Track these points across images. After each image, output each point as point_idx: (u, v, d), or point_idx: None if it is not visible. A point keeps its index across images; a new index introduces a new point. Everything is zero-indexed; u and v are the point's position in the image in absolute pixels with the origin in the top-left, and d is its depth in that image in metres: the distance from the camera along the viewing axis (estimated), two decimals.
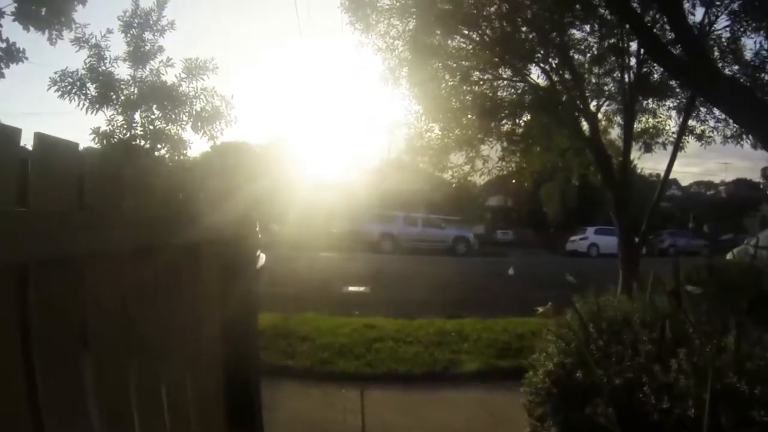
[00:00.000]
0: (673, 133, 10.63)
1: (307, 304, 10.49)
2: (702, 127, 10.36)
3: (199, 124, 9.24)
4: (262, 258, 11.68)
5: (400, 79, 9.45)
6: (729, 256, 19.02)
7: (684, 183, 53.58)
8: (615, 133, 11.04)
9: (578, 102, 9.67)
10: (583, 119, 9.75)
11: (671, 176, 10.31)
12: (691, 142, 10.73)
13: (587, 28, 9.47)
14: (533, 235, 40.45)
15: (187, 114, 9.21)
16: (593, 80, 10.15)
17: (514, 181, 11.15)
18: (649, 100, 10.37)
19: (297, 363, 6.52)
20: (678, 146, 9.91)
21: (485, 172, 10.02)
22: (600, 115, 10.36)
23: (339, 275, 15.29)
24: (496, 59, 9.00)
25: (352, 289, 13.41)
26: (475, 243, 28.55)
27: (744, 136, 9.48)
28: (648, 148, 10.98)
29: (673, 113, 10.66)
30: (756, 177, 60.96)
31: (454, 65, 9.30)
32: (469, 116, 9.42)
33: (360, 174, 32.65)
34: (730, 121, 10.10)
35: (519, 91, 9.99)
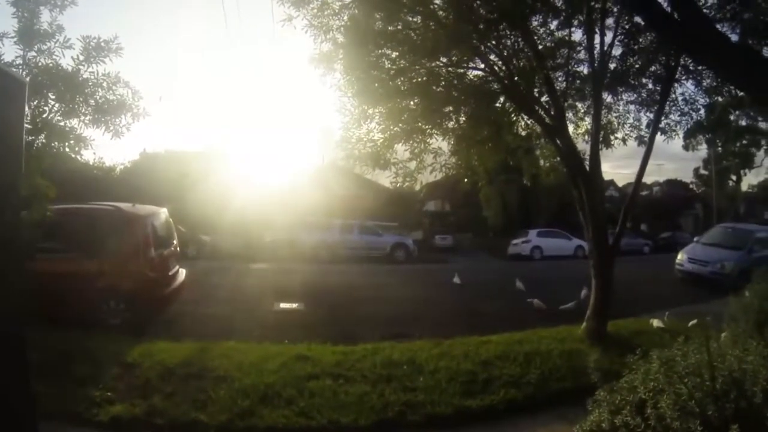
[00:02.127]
0: (637, 127, 10.34)
1: (233, 327, 9.62)
2: (666, 121, 9.96)
3: (101, 117, 7.65)
4: (182, 274, 10.69)
5: (335, 63, 8.31)
6: (680, 256, 19.20)
7: (620, 184, 54.83)
8: (577, 128, 10.42)
9: (543, 89, 9.18)
10: (542, 110, 9.08)
11: (608, 177, 9.70)
12: (628, 145, 10.44)
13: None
14: (473, 240, 40.05)
15: (92, 106, 7.64)
16: (559, 65, 9.64)
17: (466, 180, 10.23)
18: (607, 94, 9.85)
19: (210, 416, 5.21)
20: (653, 139, 9.45)
21: (436, 167, 9.01)
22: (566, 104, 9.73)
23: (271, 290, 14.18)
24: (449, 44, 8.04)
25: (284, 306, 12.23)
26: (414, 249, 27.89)
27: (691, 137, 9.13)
28: (607, 143, 10.32)
29: (631, 107, 10.28)
30: (686, 178, 63.73)
31: (397, 52, 8.28)
32: (413, 106, 8.41)
33: (295, 181, 31.63)
34: (693, 114, 10.06)
35: (475, 80, 9.12)
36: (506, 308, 12.90)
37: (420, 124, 8.40)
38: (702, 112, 10.11)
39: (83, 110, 7.56)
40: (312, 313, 11.65)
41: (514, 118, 10.15)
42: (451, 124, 9.21)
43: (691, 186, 61.42)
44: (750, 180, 62.75)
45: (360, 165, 9.12)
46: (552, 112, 8.98)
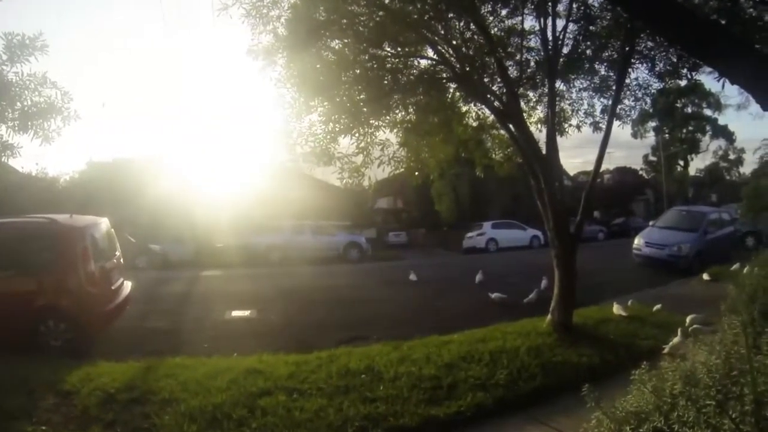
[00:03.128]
0: (591, 113, 10.26)
1: (181, 341, 9.15)
2: (621, 106, 9.75)
3: (28, 121, 6.96)
4: (127, 287, 9.94)
5: (275, 56, 7.82)
6: (636, 240, 19.42)
7: (571, 173, 55.82)
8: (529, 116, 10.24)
9: (495, 77, 9.04)
10: (496, 98, 8.94)
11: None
12: (582, 132, 10.47)
13: None
14: (426, 236, 40.03)
15: (18, 110, 6.93)
16: (511, 54, 9.48)
17: (416, 173, 9.85)
18: (560, 82, 9.69)
19: None
20: (611, 124, 9.31)
21: (384, 161, 8.61)
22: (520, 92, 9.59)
23: (222, 298, 13.61)
24: (395, 30, 7.70)
25: (235, 314, 11.68)
26: (367, 248, 27.58)
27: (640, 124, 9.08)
28: (561, 131, 10.20)
29: (584, 94, 10.22)
30: (635, 165, 65.34)
31: (341, 42, 7.88)
32: (358, 97, 8.01)
33: (245, 183, 30.89)
34: (648, 99, 10.12)
35: (424, 68, 8.85)
36: (466, 304, 12.69)
37: (364, 116, 7.98)
38: (654, 96, 10.08)
39: (9, 115, 6.90)
40: (264, 320, 11.17)
41: (465, 108, 10.03)
42: (399, 116, 8.88)
43: (640, 172, 62.98)
44: (697, 164, 64.98)
45: (303, 161, 8.68)
46: (505, 99, 8.79)
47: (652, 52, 9.16)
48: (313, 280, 17.78)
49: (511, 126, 8.77)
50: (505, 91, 8.91)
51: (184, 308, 12.19)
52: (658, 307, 10.39)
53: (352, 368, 6.48)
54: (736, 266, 15.73)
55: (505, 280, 15.96)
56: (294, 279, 17.73)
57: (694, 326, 8.77)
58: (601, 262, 18.98)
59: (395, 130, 8.99)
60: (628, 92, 9.73)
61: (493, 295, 12.46)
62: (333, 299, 13.39)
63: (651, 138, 60.55)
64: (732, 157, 64.25)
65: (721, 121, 59.40)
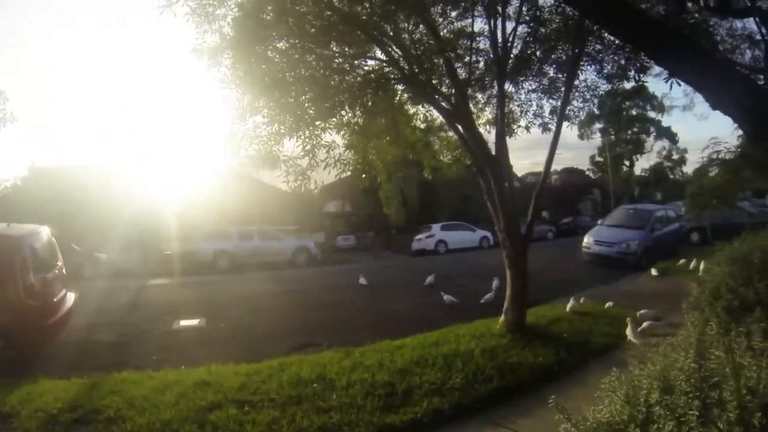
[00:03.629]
0: (540, 114, 10.35)
1: (128, 354, 8.77)
2: (569, 107, 9.90)
3: None
4: (70, 299, 9.30)
5: (221, 56, 7.53)
6: (586, 239, 19.78)
7: (519, 174, 56.73)
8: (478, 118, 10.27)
9: (443, 79, 9.03)
10: (445, 99, 8.89)
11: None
12: (531, 133, 10.63)
13: None
14: (375, 239, 40.06)
15: None
16: (460, 56, 9.41)
17: (363, 176, 9.69)
18: (509, 84, 9.83)
19: None
20: (560, 125, 9.32)
21: (330, 163, 8.41)
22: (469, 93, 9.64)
23: (169, 307, 13.14)
24: (343, 31, 7.55)
25: (184, 323, 11.29)
26: (316, 252, 27.48)
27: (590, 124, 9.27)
28: (510, 132, 10.26)
29: (533, 96, 10.30)
30: (582, 165, 66.89)
31: (288, 43, 7.65)
32: (306, 98, 7.80)
33: (192, 189, 30.24)
34: (596, 101, 9.96)
35: (372, 69, 8.66)
36: (417, 307, 12.64)
37: (309, 117, 7.76)
38: (601, 99, 10.31)
39: None
40: (213, 328, 10.86)
41: (413, 111, 9.97)
42: (346, 117, 8.71)
43: (587, 173, 64.57)
44: (642, 164, 67.25)
45: (249, 164, 8.44)
46: (454, 101, 8.78)
47: (601, 55, 9.29)
48: (262, 286, 17.49)
49: (459, 127, 8.73)
50: (454, 92, 8.88)
51: (131, 319, 11.72)
52: (610, 304, 10.52)
53: (304, 377, 6.29)
54: (682, 261, 16.21)
55: (456, 281, 16.04)
56: (243, 285, 17.43)
57: (647, 322, 8.94)
58: (552, 261, 19.24)
59: (342, 132, 8.81)
60: (576, 93, 9.88)
61: (445, 297, 12.42)
62: (283, 305, 13.18)
63: (597, 139, 62.50)
64: (675, 157, 66.90)
65: (665, 122, 61.75)
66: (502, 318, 8.64)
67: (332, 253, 32.63)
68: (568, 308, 9.97)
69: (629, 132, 60.68)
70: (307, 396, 5.71)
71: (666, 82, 7.46)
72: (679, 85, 7.80)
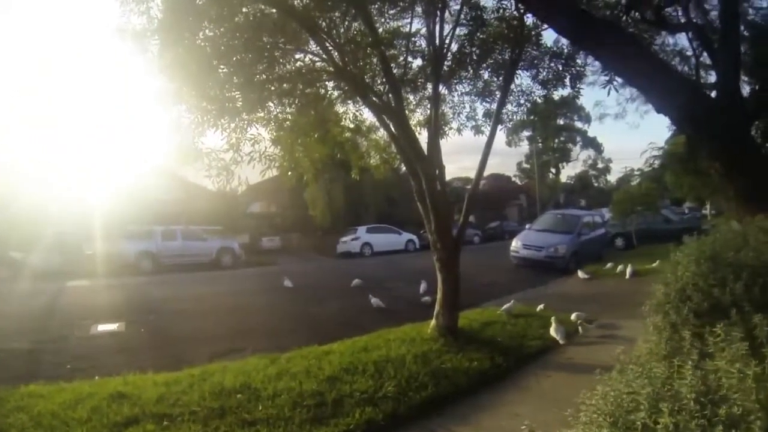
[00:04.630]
0: (472, 117, 10.34)
1: (39, 363, 8.10)
2: (504, 111, 9.81)
3: None
4: None
5: (147, 41, 7.02)
6: (514, 243, 20.10)
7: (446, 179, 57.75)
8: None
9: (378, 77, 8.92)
10: (378, 97, 8.71)
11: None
12: (451, 140, 10.49)
13: None
14: (301, 240, 39.38)
15: None
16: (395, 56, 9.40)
17: (290, 173, 9.36)
18: (443, 87, 9.65)
19: None
20: (495, 127, 9.33)
21: (255, 157, 8.03)
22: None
23: (88, 311, 12.27)
24: (276, 23, 7.23)
25: (102, 328, 10.58)
26: (241, 253, 26.93)
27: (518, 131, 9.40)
28: (441, 134, 10.18)
29: (466, 98, 10.29)
30: (508, 171, 68.87)
31: (218, 31, 7.25)
32: (233, 89, 7.41)
33: (115, 187, 28.93)
34: (528, 105, 10.18)
35: (304, 62, 8.45)
36: (344, 310, 12.40)
37: (234, 107, 7.38)
38: (532, 106, 10.37)
39: None
40: (133, 333, 10.24)
41: (342, 109, 9.84)
42: (274, 112, 8.38)
43: (513, 179, 66.26)
44: (568, 172, 69.95)
45: (169, 157, 7.96)
46: (386, 99, 8.63)
47: (536, 61, 9.35)
48: (185, 288, 16.85)
49: (391, 125, 8.56)
50: (388, 89, 8.71)
51: (46, 324, 10.86)
52: (541, 306, 10.58)
53: (227, 386, 5.89)
54: (609, 265, 16.66)
55: (383, 284, 15.95)
56: (165, 288, 16.73)
57: (580, 322, 9.03)
58: (480, 265, 19.35)
59: (269, 128, 8.47)
60: (511, 98, 9.84)
61: (373, 300, 12.28)
62: (206, 308, 12.65)
63: (525, 146, 64.51)
64: (600, 166, 70.16)
65: (591, 132, 64.47)
66: (433, 322, 8.50)
67: (257, 254, 31.94)
68: (502, 309, 9.97)
69: (556, 141, 63.00)
70: (231, 408, 5.32)
71: (604, 87, 7.50)
72: (617, 91, 7.87)
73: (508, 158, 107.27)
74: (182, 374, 6.60)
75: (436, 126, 8.79)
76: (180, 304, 13.11)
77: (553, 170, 65.64)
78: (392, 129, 8.53)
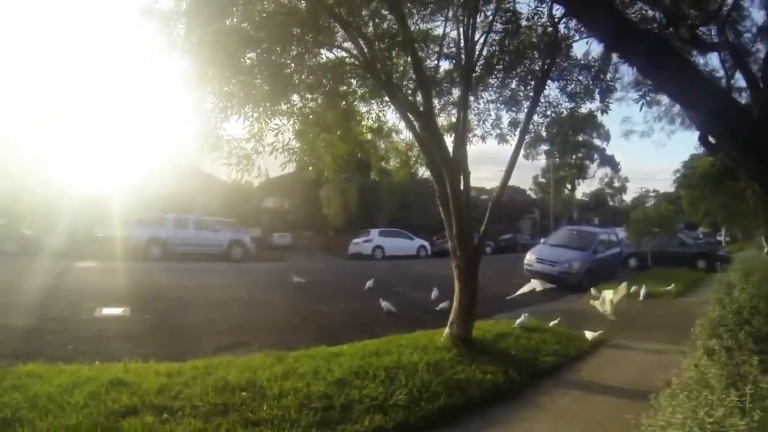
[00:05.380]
0: (499, 125, 10.09)
1: (41, 342, 7.90)
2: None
3: None
4: None
5: (174, 21, 6.80)
6: (528, 256, 19.78)
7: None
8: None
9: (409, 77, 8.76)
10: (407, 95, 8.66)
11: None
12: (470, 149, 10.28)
13: None
14: (312, 239, 39.35)
15: None
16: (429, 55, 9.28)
17: (310, 168, 9.12)
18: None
19: None
20: (523, 136, 9.19)
21: (278, 148, 7.80)
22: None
23: (94, 293, 12.19)
24: (308, 16, 7.04)
25: (107, 312, 10.43)
26: (251, 247, 26.77)
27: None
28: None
29: (491, 106, 10.06)
30: (524, 185, 68.25)
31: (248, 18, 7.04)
32: (258, 74, 7.17)
33: (130, 173, 28.87)
34: (554, 116, 10.13)
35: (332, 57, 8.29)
36: (353, 311, 12.20)
37: (259, 95, 7.13)
38: (553, 122, 10.29)
39: None
40: (138, 319, 10.07)
41: (366, 109, 9.58)
42: (298, 105, 8.14)
43: (528, 192, 65.75)
44: (584, 189, 69.51)
45: (187, 145, 7.73)
46: (412, 98, 8.53)
47: (565, 72, 9.21)
48: (193, 277, 16.73)
49: (417, 126, 8.31)
50: (415, 88, 8.58)
51: (51, 302, 10.79)
52: (555, 322, 10.29)
53: (232, 382, 5.63)
54: (623, 285, 16.26)
55: (393, 289, 15.79)
56: (173, 276, 16.64)
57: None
58: (493, 276, 19.02)
59: (291, 121, 8.24)
60: (537, 108, 9.58)
61: (383, 305, 12.02)
62: (213, 300, 12.49)
63: (542, 161, 64.12)
64: (616, 185, 69.68)
65: (609, 151, 64.19)
66: (447, 330, 8.22)
67: (267, 249, 31.86)
68: (517, 323, 9.68)
69: (574, 157, 62.64)
70: (235, 405, 5.06)
71: (636, 102, 7.26)
72: (649, 107, 7.62)
73: (524, 171, 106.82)
74: (185, 366, 6.36)
75: (464, 130, 8.52)
76: (187, 294, 12.95)
77: (569, 186, 65.29)
78: (417, 129, 8.27)
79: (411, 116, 8.31)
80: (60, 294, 11.91)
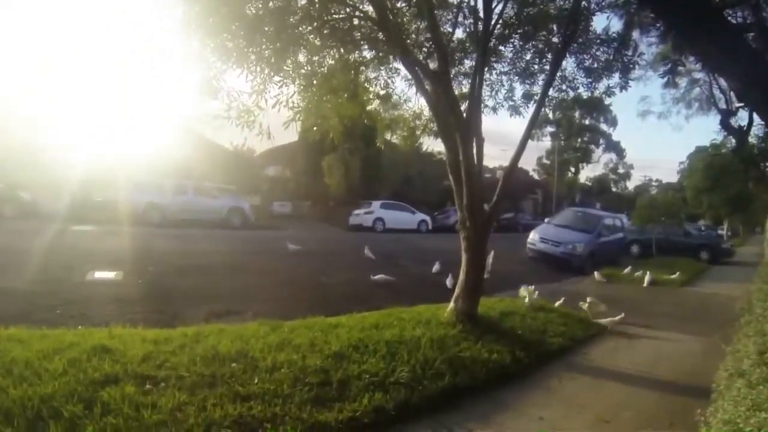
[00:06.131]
0: (511, 98, 9.68)
1: (30, 305, 7.55)
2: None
3: None
4: None
5: None
6: (532, 235, 19.45)
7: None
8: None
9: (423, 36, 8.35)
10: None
11: None
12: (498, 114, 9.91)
13: None
14: (312, 209, 38.84)
15: None
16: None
17: (315, 128, 8.61)
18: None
19: None
20: (540, 109, 8.72)
21: (282, 101, 7.25)
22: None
23: (88, 256, 11.79)
24: None
25: (99, 275, 10.07)
26: (250, 215, 26.30)
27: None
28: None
29: (504, 78, 9.66)
30: (527, 165, 67.91)
31: None
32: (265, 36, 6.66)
33: (130, 137, 28.37)
34: (571, 92, 9.65)
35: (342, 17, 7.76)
36: (352, 282, 11.85)
37: (264, 43, 6.62)
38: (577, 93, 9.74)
39: None
40: (130, 283, 9.67)
41: (374, 75, 9.15)
42: (304, 67, 7.62)
43: (532, 173, 65.37)
44: (587, 173, 69.16)
45: (186, 98, 7.17)
46: (427, 59, 8.17)
47: (584, 46, 8.76)
48: (190, 243, 16.35)
49: (429, 89, 7.82)
50: (429, 51, 8.19)
51: (43, 265, 10.39)
52: (560, 302, 9.96)
53: (222, 352, 5.22)
54: (627, 270, 15.95)
55: (393, 261, 15.54)
56: (170, 241, 16.26)
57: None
58: (495, 254, 18.74)
59: (297, 81, 7.71)
60: (554, 83, 9.13)
61: (377, 277, 11.77)
62: (209, 266, 12.09)
63: (547, 142, 63.56)
64: (621, 171, 69.34)
65: (615, 136, 63.77)
66: (451, 305, 7.80)
67: (267, 218, 31.40)
68: (526, 301, 9.33)
69: (579, 140, 62.13)
70: (224, 377, 4.63)
71: (662, 77, 6.78)
72: (675, 84, 7.15)
73: (528, 152, 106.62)
74: (174, 333, 5.97)
75: (479, 94, 8.03)
76: (183, 259, 12.55)
77: (573, 169, 64.86)
78: (430, 93, 7.80)
79: (424, 78, 7.81)
80: (54, 257, 11.47)
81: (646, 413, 5.20)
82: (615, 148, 66.23)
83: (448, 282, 11.16)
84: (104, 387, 4.27)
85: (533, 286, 9.87)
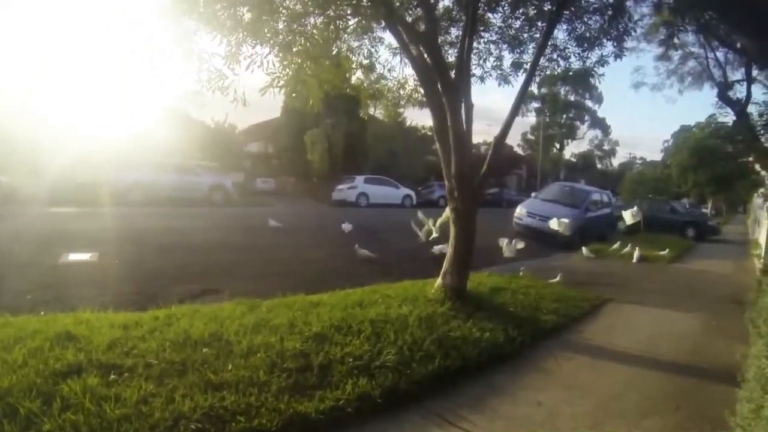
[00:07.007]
0: (499, 66, 9.35)
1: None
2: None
3: None
4: None
5: None
6: (518, 210, 19.15)
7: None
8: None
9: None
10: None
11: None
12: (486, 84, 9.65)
13: None
14: (296, 184, 38.63)
15: None
16: None
17: (294, 95, 8.09)
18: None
19: None
20: (530, 79, 8.38)
21: (256, 61, 6.72)
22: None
23: (64, 238, 11.27)
24: None
25: (73, 257, 9.61)
26: (233, 192, 26.04)
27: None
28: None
29: (492, 47, 9.29)
30: (512, 141, 67.44)
31: None
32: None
33: (110, 116, 27.77)
34: (561, 62, 9.28)
35: None
36: (335, 258, 11.52)
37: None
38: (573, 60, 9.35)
39: None
40: (105, 265, 9.24)
41: (357, 44, 8.71)
42: (282, 36, 7.11)
43: (516, 148, 65.24)
44: (572, 149, 69.26)
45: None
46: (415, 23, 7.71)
47: (576, 15, 8.44)
48: (172, 222, 15.91)
49: (414, 53, 7.45)
50: (419, 13, 7.76)
51: (17, 248, 9.94)
52: (556, 279, 9.71)
53: (194, 336, 4.80)
54: (615, 246, 15.73)
55: (377, 236, 15.46)
56: (151, 220, 15.83)
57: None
58: (479, 229, 18.45)
59: (275, 50, 7.20)
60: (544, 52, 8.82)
61: (360, 252, 11.51)
62: (189, 245, 11.67)
63: (531, 118, 63.36)
64: (606, 148, 69.49)
65: (600, 113, 63.72)
66: (439, 281, 7.47)
67: (250, 195, 31.20)
68: (505, 254, 9.95)
69: (564, 116, 61.96)
70: (195, 363, 4.21)
71: (661, 45, 6.38)
72: (676, 49, 6.80)
73: (513, 127, 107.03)
74: (145, 316, 5.54)
75: (468, 59, 7.60)
76: (162, 238, 12.11)
77: (557, 145, 64.73)
78: (413, 54, 7.44)
79: (409, 42, 7.40)
80: (28, 238, 11.00)
81: (652, 396, 4.87)
82: (600, 124, 66.22)
83: (438, 246, 11.01)
84: (65, 379, 3.83)
85: (514, 240, 9.79)
